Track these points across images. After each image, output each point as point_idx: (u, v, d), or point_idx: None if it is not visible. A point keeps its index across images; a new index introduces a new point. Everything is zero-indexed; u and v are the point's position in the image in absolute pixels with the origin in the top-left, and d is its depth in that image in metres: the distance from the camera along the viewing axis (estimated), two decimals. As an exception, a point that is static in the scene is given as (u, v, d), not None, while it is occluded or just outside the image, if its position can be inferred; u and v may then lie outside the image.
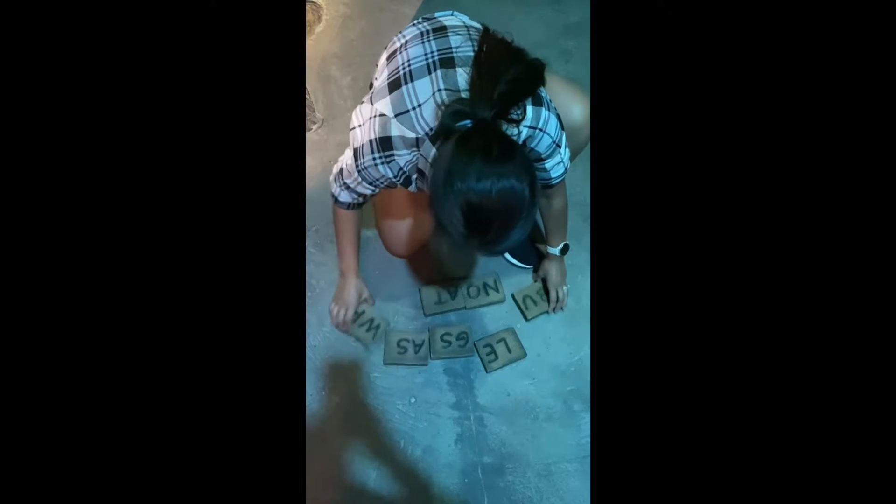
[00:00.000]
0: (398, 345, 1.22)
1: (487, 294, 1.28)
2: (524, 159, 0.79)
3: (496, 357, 1.20)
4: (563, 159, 0.99)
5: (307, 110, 1.53)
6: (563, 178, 1.04)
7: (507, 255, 1.32)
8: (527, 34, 1.71)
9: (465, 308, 1.27)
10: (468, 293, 1.28)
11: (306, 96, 1.52)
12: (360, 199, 1.07)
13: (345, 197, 1.06)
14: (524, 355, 1.21)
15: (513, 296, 1.28)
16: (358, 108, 0.94)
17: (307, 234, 1.35)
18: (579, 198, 1.39)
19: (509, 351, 1.21)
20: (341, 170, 1.03)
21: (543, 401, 1.17)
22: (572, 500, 1.08)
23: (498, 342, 1.22)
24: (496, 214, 0.76)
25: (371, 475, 1.11)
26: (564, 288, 1.27)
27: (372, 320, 1.24)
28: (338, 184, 1.05)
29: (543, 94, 0.90)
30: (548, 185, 1.02)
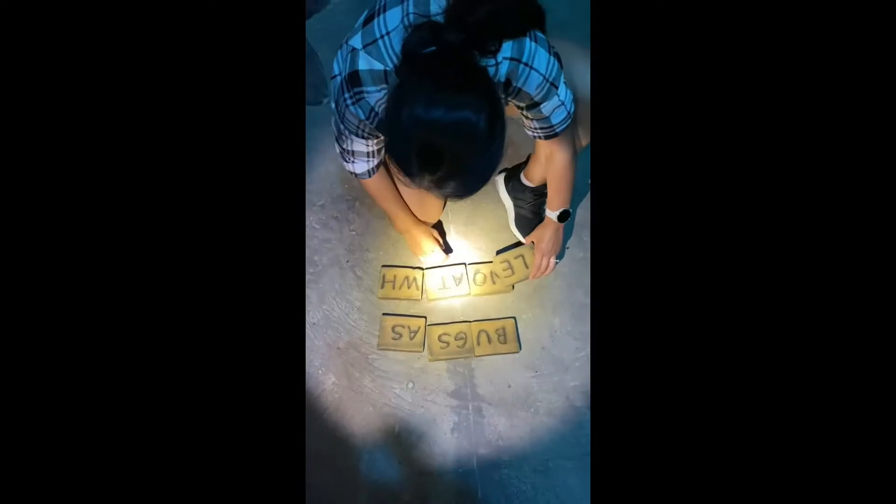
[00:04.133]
0: (393, 330, 1.19)
1: (494, 283, 1.24)
2: (488, 90, 0.69)
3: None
4: (563, 101, 0.88)
5: (320, 83, 1.48)
6: (569, 127, 0.93)
7: (513, 227, 1.26)
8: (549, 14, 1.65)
9: (469, 295, 1.23)
10: (474, 280, 1.24)
11: (320, 67, 1.48)
12: (374, 162, 1.00)
13: (359, 167, 1.01)
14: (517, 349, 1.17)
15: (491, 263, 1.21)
16: (338, 52, 0.87)
17: (312, 209, 1.32)
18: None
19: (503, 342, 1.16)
20: (336, 139, 0.98)
21: (545, 395, 1.14)
22: (569, 498, 1.05)
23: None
24: (446, 149, 0.67)
25: (363, 458, 1.09)
26: (554, 259, 1.16)
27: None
28: (346, 159, 1.01)
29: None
30: (551, 135, 0.93)
